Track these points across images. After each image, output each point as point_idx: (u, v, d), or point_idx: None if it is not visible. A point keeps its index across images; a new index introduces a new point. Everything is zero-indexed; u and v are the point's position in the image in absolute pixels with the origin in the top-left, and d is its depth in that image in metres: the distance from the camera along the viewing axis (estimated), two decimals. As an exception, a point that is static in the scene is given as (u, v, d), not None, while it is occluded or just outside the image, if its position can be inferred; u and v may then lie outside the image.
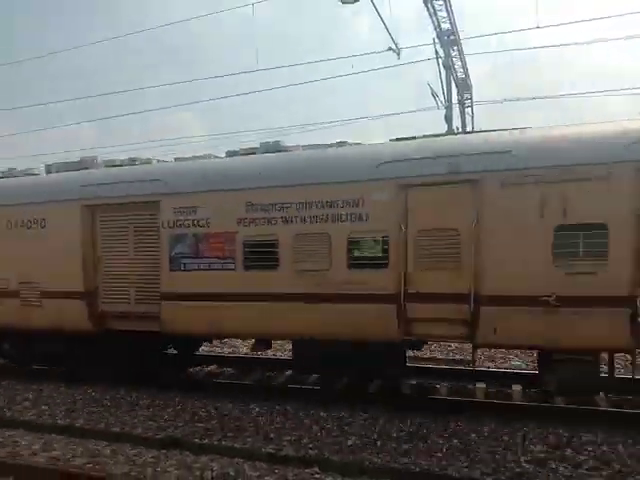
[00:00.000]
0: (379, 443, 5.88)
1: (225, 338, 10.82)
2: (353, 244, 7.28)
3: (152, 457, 5.53)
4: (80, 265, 8.55)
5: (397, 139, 7.66)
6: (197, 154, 8.96)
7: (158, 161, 9.24)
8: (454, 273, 6.63)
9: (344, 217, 7.12)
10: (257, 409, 7.10)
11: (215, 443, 6.02)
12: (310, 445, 5.87)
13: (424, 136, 7.54)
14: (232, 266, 7.66)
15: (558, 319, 6.16)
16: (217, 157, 8.94)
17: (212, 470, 5.04)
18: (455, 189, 6.62)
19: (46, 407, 7.70)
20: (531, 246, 6.26)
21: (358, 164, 7.32)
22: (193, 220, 7.91)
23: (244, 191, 7.61)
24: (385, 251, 7.03)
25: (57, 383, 8.82)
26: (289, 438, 6.10)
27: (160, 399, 7.74)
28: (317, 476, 4.99)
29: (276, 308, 7.33)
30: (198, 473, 4.99)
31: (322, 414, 6.83)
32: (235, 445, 5.91)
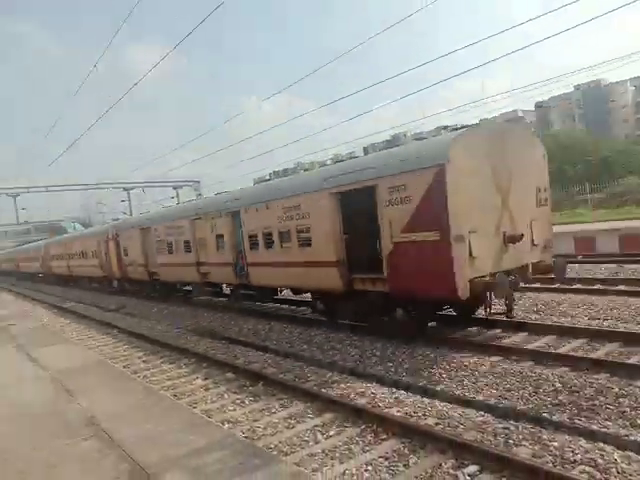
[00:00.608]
0: None
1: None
2: (184, 244, 16.54)
3: (502, 427, 5.35)
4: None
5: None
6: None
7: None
8: (199, 255, 15.83)
9: (182, 234, 16.63)
10: (616, 389, 6.16)
11: (567, 421, 5.46)
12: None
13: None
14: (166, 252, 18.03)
15: (222, 270, 14.71)
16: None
17: (574, 452, 4.53)
18: (197, 222, 15.69)
19: (391, 364, 8.42)
20: (211, 245, 14.98)
21: (181, 212, 17.36)
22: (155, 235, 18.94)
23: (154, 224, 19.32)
24: (190, 246, 16.15)
25: (398, 344, 9.57)
26: (667, 429, 5.05)
27: (501, 367, 7.52)
28: None
29: (177, 269, 17.40)
30: (558, 453, 4.56)
31: None
32: (593, 427, 5.23)
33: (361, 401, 6.75)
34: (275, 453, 5.45)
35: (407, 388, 7.16)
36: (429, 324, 10.07)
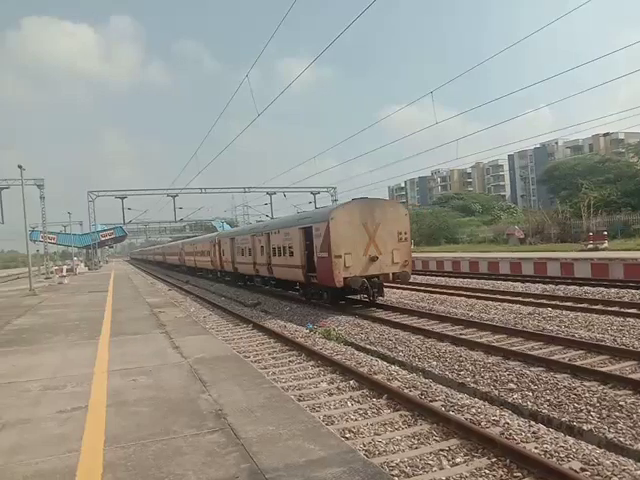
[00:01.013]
0: None
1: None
2: (248, 250, 25.51)
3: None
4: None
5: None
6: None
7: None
8: (254, 257, 24.25)
9: (246, 244, 25.61)
10: None
11: None
12: None
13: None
14: (241, 254, 27.30)
15: (263, 268, 22.75)
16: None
17: None
18: (254, 237, 24.33)
19: (530, 393, 7.66)
20: (258, 252, 23.37)
21: (247, 230, 26.95)
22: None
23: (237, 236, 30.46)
24: (250, 252, 24.94)
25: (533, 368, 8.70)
26: None
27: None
28: None
29: (245, 265, 26.38)
30: None
31: None
32: None
33: (494, 430, 6.20)
34: (396, 473, 5.21)
35: (548, 422, 6.45)
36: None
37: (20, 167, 27.83)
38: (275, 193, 63.18)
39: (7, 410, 5.37)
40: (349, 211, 16.13)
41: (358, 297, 17.95)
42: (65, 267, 45.29)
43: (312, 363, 10.19)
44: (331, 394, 8.19)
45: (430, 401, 7.60)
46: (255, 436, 4.10)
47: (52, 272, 45.72)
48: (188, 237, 58.63)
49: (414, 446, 6.07)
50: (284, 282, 21.71)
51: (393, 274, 16.73)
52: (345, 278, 15.57)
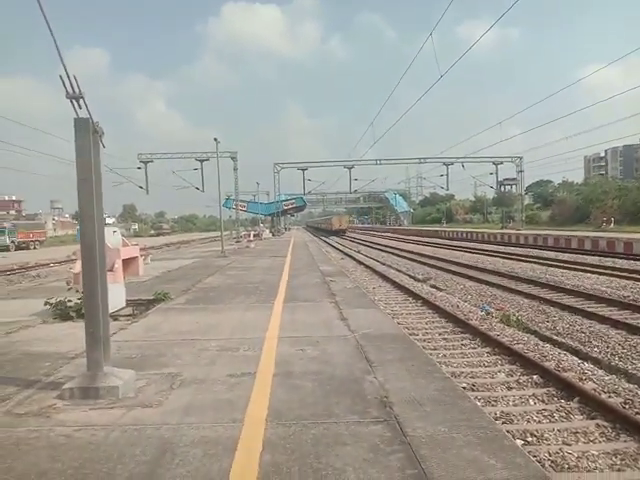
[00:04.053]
0: None
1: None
2: (328, 221, 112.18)
3: None
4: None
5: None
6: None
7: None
8: (329, 225, 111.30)
9: (325, 222, 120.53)
10: None
11: None
12: None
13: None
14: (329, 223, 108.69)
15: (327, 227, 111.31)
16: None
17: None
18: (325, 218, 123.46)
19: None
20: (330, 223, 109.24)
21: (329, 216, 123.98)
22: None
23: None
24: (328, 223, 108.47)
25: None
26: None
27: None
28: None
29: (330, 226, 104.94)
30: None
31: None
32: None
33: None
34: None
35: None
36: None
37: (215, 140, 30.71)
38: (452, 164, 60.61)
39: (187, 367, 5.67)
40: (335, 216, 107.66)
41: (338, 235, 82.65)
42: (252, 232, 49.60)
43: (488, 350, 9.29)
44: (510, 388, 7.31)
45: (636, 413, 6.30)
46: (424, 436, 3.59)
47: (241, 236, 50.47)
48: (360, 208, 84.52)
49: (616, 467, 5.03)
50: (327, 231, 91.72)
51: (345, 229, 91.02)
52: (335, 229, 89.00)
